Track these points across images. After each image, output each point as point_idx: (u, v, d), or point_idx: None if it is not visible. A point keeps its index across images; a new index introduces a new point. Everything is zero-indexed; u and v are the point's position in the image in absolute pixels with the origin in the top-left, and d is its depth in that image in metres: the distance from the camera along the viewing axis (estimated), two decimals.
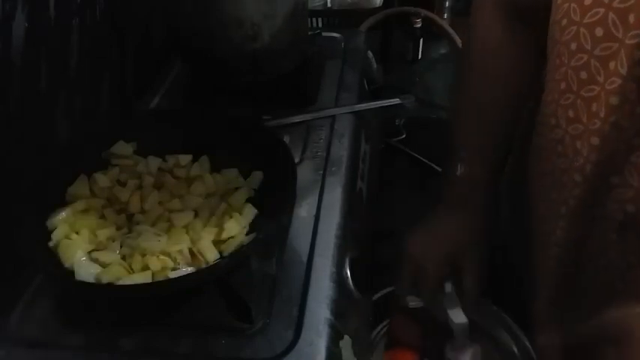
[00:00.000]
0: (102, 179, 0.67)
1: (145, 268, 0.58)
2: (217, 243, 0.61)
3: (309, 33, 1.00)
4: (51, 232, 0.61)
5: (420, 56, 1.46)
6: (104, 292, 0.58)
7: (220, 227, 0.62)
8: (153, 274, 0.57)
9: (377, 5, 1.36)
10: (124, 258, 0.60)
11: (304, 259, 0.63)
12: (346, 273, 0.65)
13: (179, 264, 0.59)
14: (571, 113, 0.55)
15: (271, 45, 0.82)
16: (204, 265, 0.59)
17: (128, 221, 0.65)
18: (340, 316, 0.59)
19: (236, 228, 0.62)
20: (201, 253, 0.59)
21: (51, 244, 0.60)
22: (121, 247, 0.61)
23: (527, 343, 0.69)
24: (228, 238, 0.61)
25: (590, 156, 0.54)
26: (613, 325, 0.47)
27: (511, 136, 0.70)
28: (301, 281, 0.61)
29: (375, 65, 1.12)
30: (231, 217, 0.63)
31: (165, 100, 0.93)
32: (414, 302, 0.70)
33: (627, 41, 0.48)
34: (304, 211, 0.69)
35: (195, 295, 0.59)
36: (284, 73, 0.88)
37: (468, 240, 0.68)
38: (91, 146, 0.71)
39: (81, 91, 0.79)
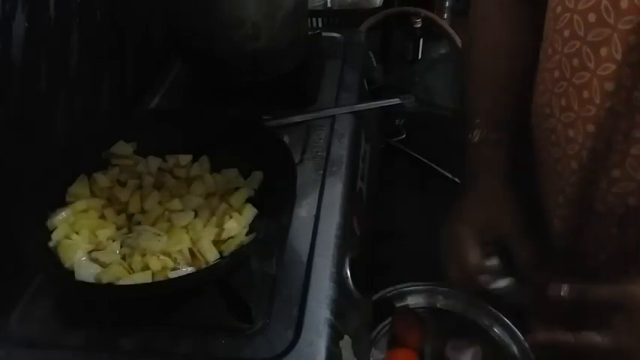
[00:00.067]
0: (102, 179, 0.67)
1: (145, 268, 0.58)
2: (217, 243, 0.61)
3: (309, 33, 1.00)
4: (51, 232, 0.61)
5: (420, 56, 1.46)
6: (104, 292, 0.58)
7: (220, 227, 0.62)
8: (153, 274, 0.57)
9: (377, 5, 1.36)
10: (124, 258, 0.60)
11: (304, 259, 0.63)
12: (346, 273, 0.65)
13: (179, 264, 0.59)
14: (563, 101, 0.56)
15: (271, 45, 0.82)
16: (204, 265, 0.59)
17: (128, 221, 0.65)
18: (340, 316, 0.59)
19: (236, 228, 0.62)
20: (201, 253, 0.59)
21: (51, 244, 0.60)
22: (121, 247, 0.61)
23: (527, 344, 0.69)
24: (228, 238, 0.61)
25: (586, 143, 0.54)
26: (625, 295, 0.47)
27: (524, 94, 0.67)
28: (301, 281, 0.61)
29: (375, 65, 1.12)
30: (231, 217, 0.63)
31: (165, 100, 0.93)
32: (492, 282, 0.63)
33: (620, 27, 0.48)
34: (304, 211, 0.69)
35: (195, 295, 0.59)
36: (284, 73, 0.88)
37: (501, 204, 0.64)
38: (91, 146, 0.71)
39: (81, 91, 0.79)
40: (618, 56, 0.49)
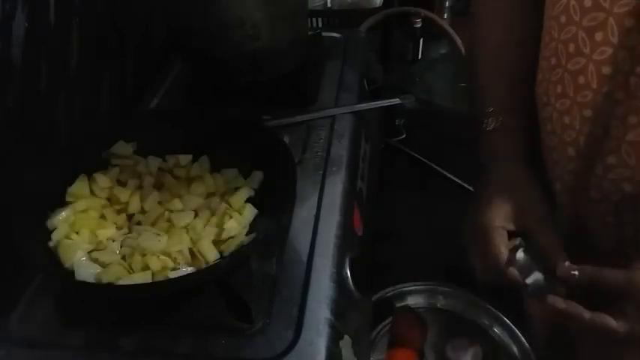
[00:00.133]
0: (102, 179, 0.67)
1: (145, 268, 0.58)
2: (217, 243, 0.61)
3: (309, 33, 1.00)
4: (51, 232, 0.61)
5: (420, 56, 1.46)
6: (104, 292, 0.58)
7: (220, 227, 0.62)
8: (153, 274, 0.57)
9: (377, 5, 1.36)
10: (124, 258, 0.60)
11: (304, 259, 0.63)
12: (346, 273, 0.65)
13: (179, 264, 0.59)
14: (559, 89, 0.56)
15: (271, 45, 0.82)
16: (204, 265, 0.59)
17: (128, 221, 0.65)
18: (340, 316, 0.59)
19: (236, 228, 0.62)
20: (201, 253, 0.59)
21: (51, 244, 0.60)
22: (121, 247, 0.61)
23: (527, 344, 0.69)
24: (228, 238, 0.61)
25: (583, 128, 0.54)
26: (628, 280, 0.48)
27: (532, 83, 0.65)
28: (301, 281, 0.61)
29: (375, 65, 1.12)
30: (231, 217, 0.63)
31: (165, 100, 0.93)
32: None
33: (616, 10, 0.48)
34: (304, 211, 0.69)
35: (195, 295, 0.59)
36: (284, 73, 0.88)
37: (526, 191, 0.60)
38: (91, 146, 0.71)
39: (81, 91, 0.79)
40: (614, 39, 0.49)
